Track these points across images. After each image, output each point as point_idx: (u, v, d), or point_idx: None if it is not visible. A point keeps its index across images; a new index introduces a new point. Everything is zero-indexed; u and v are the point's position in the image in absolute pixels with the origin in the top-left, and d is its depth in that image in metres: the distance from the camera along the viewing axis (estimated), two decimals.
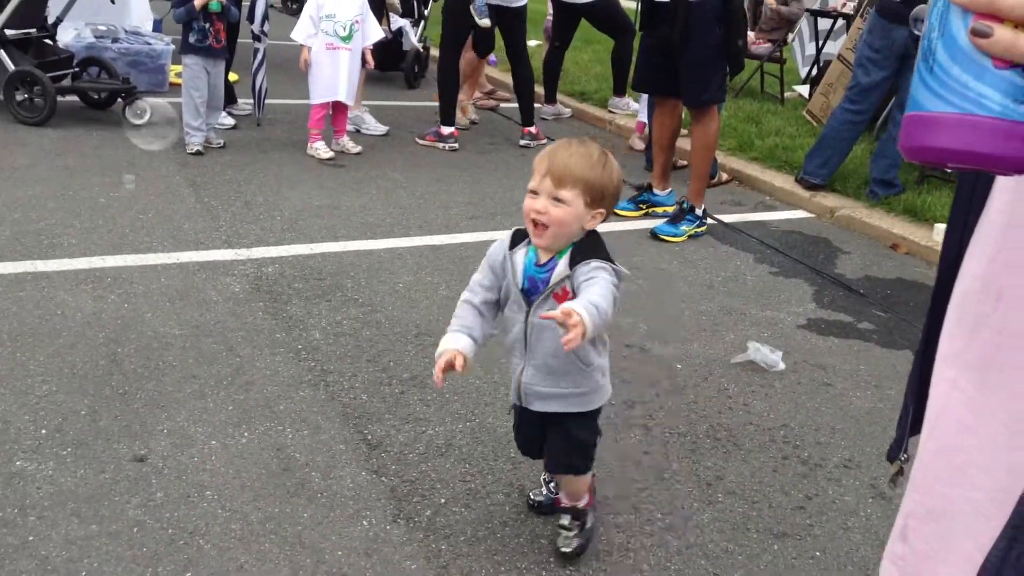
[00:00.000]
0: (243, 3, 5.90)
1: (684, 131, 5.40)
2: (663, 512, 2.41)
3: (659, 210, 4.95)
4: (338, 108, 5.67)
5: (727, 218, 5.09)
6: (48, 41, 6.06)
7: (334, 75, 5.49)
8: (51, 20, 6.07)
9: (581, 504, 2.25)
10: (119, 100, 5.88)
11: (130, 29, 6.97)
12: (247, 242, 4.03)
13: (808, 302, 3.99)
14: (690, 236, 4.65)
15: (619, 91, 7.42)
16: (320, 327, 3.27)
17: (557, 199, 1.87)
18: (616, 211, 4.86)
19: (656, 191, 5.02)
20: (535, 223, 1.89)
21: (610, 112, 7.40)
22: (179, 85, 5.55)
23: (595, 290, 1.82)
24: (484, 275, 2.05)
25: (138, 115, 5.71)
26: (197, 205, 4.45)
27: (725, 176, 5.90)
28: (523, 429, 2.21)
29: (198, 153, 5.23)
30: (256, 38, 5.95)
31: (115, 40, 6.63)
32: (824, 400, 3.11)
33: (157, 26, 7.71)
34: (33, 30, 5.89)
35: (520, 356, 2.04)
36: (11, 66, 5.48)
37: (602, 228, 1.99)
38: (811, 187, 5.48)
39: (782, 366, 3.27)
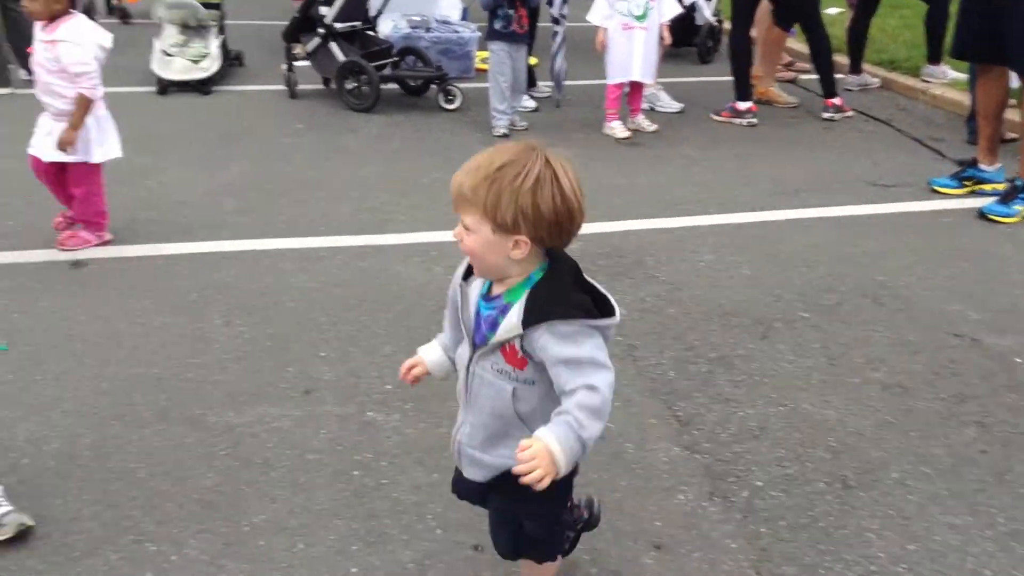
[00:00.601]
0: None
1: (1012, 100, 4.85)
2: (1006, 516, 2.22)
3: (987, 187, 4.48)
4: (634, 87, 5.71)
5: None
6: (370, 33, 6.67)
7: (629, 54, 5.54)
8: (372, 13, 6.67)
9: None
10: (432, 86, 6.35)
11: (440, 19, 7.47)
12: None
13: None
14: None
15: (934, 58, 6.79)
16: (624, 303, 3.34)
17: (465, 225, 1.54)
18: (937, 188, 4.46)
19: (983, 166, 4.55)
20: None
21: (923, 81, 6.79)
22: (485, 71, 5.88)
23: (577, 399, 1.46)
24: (447, 311, 1.75)
25: (450, 100, 6.14)
26: None
27: None
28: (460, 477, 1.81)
29: (504, 136, 5.51)
30: (555, 21, 6.14)
31: (428, 30, 7.14)
32: None
33: (464, 15, 8.18)
34: (358, 23, 6.51)
35: (462, 408, 1.71)
36: (342, 57, 6.10)
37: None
38: None
39: None
